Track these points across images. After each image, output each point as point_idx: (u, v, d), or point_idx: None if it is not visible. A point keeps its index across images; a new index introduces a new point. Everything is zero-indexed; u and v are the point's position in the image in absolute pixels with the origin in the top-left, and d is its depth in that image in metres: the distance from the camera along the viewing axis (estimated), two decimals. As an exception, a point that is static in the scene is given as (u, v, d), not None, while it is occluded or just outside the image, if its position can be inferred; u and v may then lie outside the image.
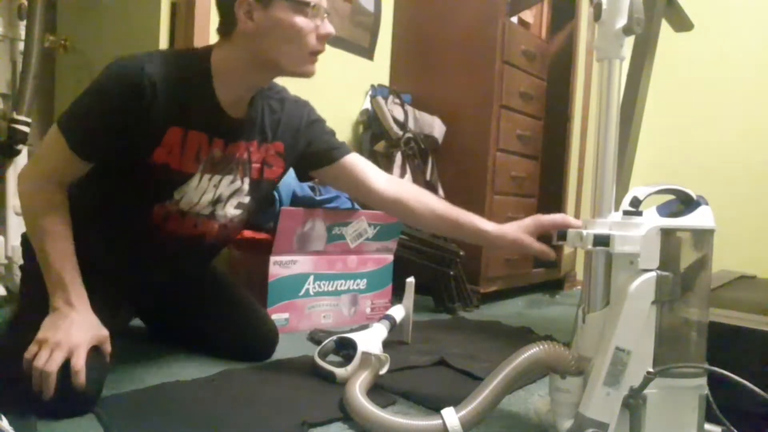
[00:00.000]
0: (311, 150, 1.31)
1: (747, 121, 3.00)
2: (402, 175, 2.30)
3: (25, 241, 1.20)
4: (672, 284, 0.89)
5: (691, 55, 3.03)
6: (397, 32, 2.66)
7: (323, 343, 1.36)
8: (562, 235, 1.00)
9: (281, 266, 1.73)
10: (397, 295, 2.27)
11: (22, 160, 1.72)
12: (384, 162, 2.34)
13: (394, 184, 1.32)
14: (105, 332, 1.05)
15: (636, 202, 0.93)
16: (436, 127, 2.44)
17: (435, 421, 0.93)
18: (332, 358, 1.34)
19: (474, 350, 1.58)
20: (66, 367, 0.95)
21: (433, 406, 1.11)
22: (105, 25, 2.13)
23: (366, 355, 1.23)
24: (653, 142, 2.73)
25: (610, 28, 0.95)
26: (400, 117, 2.37)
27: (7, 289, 1.75)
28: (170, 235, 1.17)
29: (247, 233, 1.71)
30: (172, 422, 0.98)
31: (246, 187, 1.23)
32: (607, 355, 0.88)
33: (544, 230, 1.17)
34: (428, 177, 2.38)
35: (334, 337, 1.37)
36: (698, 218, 0.93)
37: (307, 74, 1.14)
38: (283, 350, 1.43)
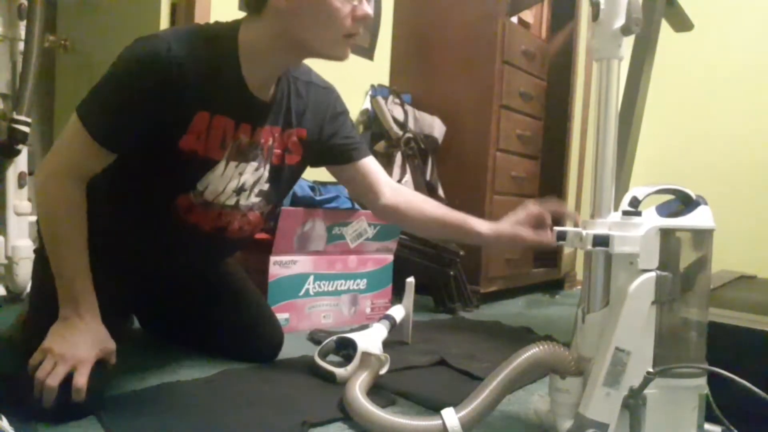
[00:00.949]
0: (332, 143, 1.25)
1: (747, 121, 3.00)
2: (402, 175, 2.30)
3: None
4: (672, 284, 0.89)
5: (691, 55, 3.03)
6: (397, 32, 2.66)
7: (323, 343, 1.36)
8: (562, 235, 1.00)
9: (281, 266, 1.73)
10: (397, 295, 2.28)
11: (22, 160, 1.73)
12: (384, 162, 2.34)
13: (395, 193, 1.31)
14: (112, 345, 1.02)
15: (635, 202, 0.93)
16: (436, 127, 2.44)
17: (435, 422, 0.93)
18: (332, 358, 1.35)
19: (474, 350, 1.58)
20: (68, 378, 0.93)
21: (433, 406, 1.11)
22: (105, 25, 2.13)
23: (366, 355, 1.23)
24: (653, 142, 2.73)
25: (608, 28, 0.95)
26: (400, 117, 2.37)
27: (7, 289, 1.75)
28: (193, 227, 1.12)
29: (247, 233, 1.71)
30: (172, 422, 0.98)
31: (266, 173, 1.17)
32: (607, 355, 0.88)
33: (537, 219, 1.16)
34: (428, 177, 2.38)
35: (334, 337, 1.37)
36: (697, 218, 0.93)
37: (341, 58, 1.06)
38: (283, 350, 1.43)
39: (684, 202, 0.97)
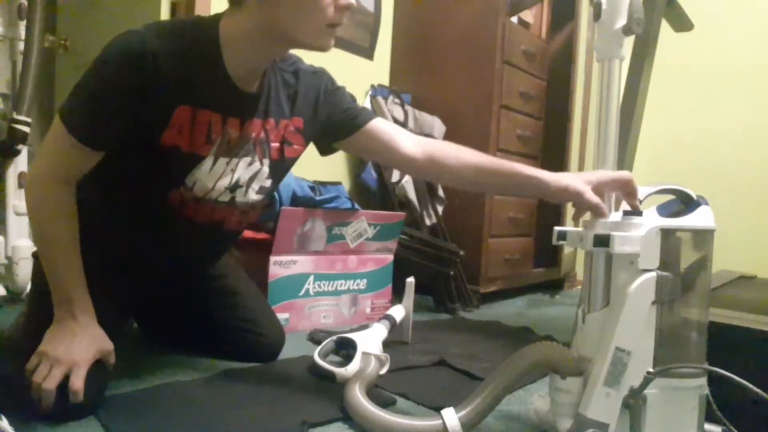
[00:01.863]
0: (333, 121, 1.20)
1: (747, 121, 3.00)
2: (402, 175, 2.30)
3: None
4: (672, 284, 0.89)
5: (691, 55, 3.03)
6: (397, 32, 2.65)
7: (323, 343, 1.36)
8: (562, 235, 1.00)
9: (281, 266, 1.72)
10: (398, 295, 2.28)
11: (22, 160, 1.73)
12: (384, 162, 2.34)
13: (426, 144, 1.18)
14: (109, 346, 1.02)
15: (636, 202, 0.93)
16: (436, 127, 2.44)
17: (435, 422, 0.93)
18: (332, 358, 1.35)
19: (474, 350, 1.58)
20: (65, 380, 0.93)
21: (433, 406, 1.11)
22: (105, 25, 2.12)
23: (366, 355, 1.23)
24: (653, 142, 2.74)
25: (609, 29, 0.95)
26: (400, 117, 2.37)
27: (7, 289, 1.75)
28: (188, 221, 1.11)
29: (247, 233, 1.71)
30: (172, 422, 0.98)
31: (266, 169, 1.15)
32: (607, 355, 0.88)
33: (604, 189, 0.98)
34: (428, 177, 2.38)
35: (334, 337, 1.37)
36: (698, 218, 0.93)
37: (324, 48, 1.05)
38: (283, 350, 1.43)
39: (685, 203, 0.97)
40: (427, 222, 2.32)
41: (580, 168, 3.17)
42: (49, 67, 2.23)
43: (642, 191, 0.95)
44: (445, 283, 2.23)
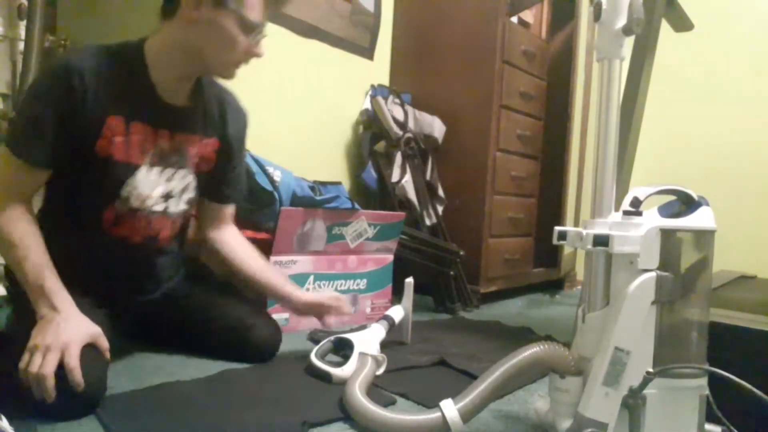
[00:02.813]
0: (222, 173, 1.30)
1: (748, 121, 3.00)
2: (402, 175, 2.30)
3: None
4: (672, 284, 0.89)
5: (691, 55, 3.03)
6: (397, 32, 2.65)
7: (321, 343, 1.36)
8: (562, 235, 1.00)
9: (281, 266, 1.72)
10: (397, 295, 2.28)
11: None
12: (384, 162, 2.34)
13: (228, 238, 1.37)
14: (96, 328, 1.02)
15: (636, 203, 0.93)
16: (436, 127, 2.44)
17: (434, 414, 0.93)
18: (330, 357, 1.35)
19: (474, 350, 1.58)
20: (64, 369, 0.93)
21: (433, 405, 1.10)
22: (105, 25, 2.13)
23: (363, 356, 1.23)
24: (654, 142, 2.73)
25: (609, 29, 0.95)
26: (400, 117, 2.37)
27: (7, 289, 1.75)
28: (123, 242, 1.16)
29: (247, 233, 1.71)
30: (172, 422, 0.98)
31: (194, 182, 1.23)
32: (607, 355, 0.88)
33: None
34: (428, 177, 2.38)
35: (332, 338, 1.37)
36: (699, 219, 0.93)
37: (227, 78, 1.16)
38: (283, 350, 1.43)
39: (685, 203, 0.97)
40: (427, 222, 2.32)
41: (580, 168, 3.17)
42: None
43: (642, 191, 0.95)
44: (445, 283, 2.23)
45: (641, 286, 0.88)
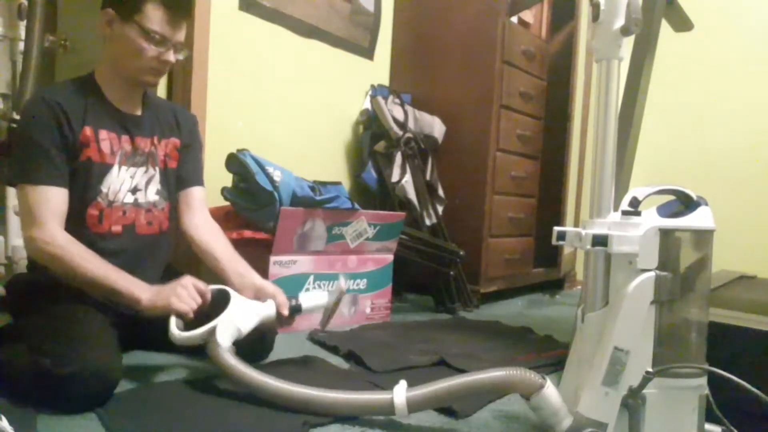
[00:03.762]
0: (183, 162, 1.43)
1: (748, 121, 3.00)
2: (402, 175, 2.30)
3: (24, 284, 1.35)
4: (671, 284, 0.89)
5: (691, 55, 3.03)
6: (397, 32, 2.66)
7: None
8: (562, 235, 1.00)
9: (281, 266, 1.73)
10: (397, 295, 2.28)
11: (22, 160, 1.72)
12: (384, 162, 2.34)
13: (205, 228, 1.43)
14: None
15: (635, 203, 0.93)
16: (436, 127, 2.44)
17: (384, 395, 0.99)
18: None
19: (474, 350, 1.58)
20: (83, 357, 1.01)
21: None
22: (105, 25, 2.13)
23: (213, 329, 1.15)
24: (654, 142, 2.73)
25: (608, 29, 0.95)
26: (400, 117, 2.37)
27: (6, 289, 1.75)
28: (108, 235, 1.29)
29: (247, 233, 1.71)
30: (172, 422, 0.98)
31: (157, 175, 1.38)
32: (606, 354, 0.88)
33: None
34: (428, 177, 2.38)
35: (215, 288, 1.25)
36: (698, 219, 0.93)
37: (149, 84, 1.33)
38: (283, 350, 1.43)
39: (684, 203, 0.97)
40: (427, 222, 2.32)
41: (580, 168, 3.17)
42: (49, 67, 2.23)
43: (641, 191, 0.95)
44: (445, 283, 2.23)
45: (640, 285, 0.88)
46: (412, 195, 2.30)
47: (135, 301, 1.15)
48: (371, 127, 2.42)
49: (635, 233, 0.89)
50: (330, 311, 1.38)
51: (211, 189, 1.57)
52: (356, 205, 1.87)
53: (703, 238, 0.94)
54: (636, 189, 0.96)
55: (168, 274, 1.36)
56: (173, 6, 1.25)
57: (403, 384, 1.00)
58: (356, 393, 1.05)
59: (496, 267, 2.46)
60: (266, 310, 1.27)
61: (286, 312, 1.29)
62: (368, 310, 1.96)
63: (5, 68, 1.70)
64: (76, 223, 1.25)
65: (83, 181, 1.25)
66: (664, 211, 0.95)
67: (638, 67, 1.65)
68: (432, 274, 2.23)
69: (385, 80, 2.64)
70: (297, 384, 1.06)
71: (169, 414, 1.01)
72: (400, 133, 2.32)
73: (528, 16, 2.81)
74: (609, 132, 0.97)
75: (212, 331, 1.14)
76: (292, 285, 1.75)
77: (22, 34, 1.70)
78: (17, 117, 1.65)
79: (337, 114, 2.45)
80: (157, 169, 1.38)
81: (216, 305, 1.21)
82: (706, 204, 0.95)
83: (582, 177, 3.18)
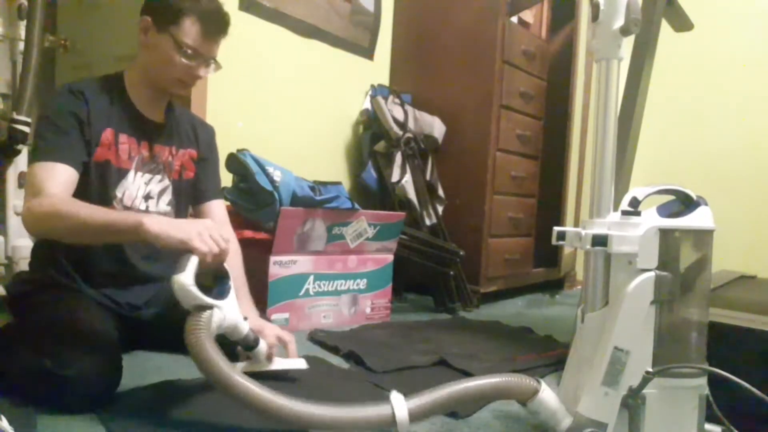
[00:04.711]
0: (201, 175, 1.42)
1: (748, 121, 3.00)
2: (402, 175, 2.30)
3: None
4: (671, 284, 0.89)
5: (692, 55, 3.03)
6: (397, 32, 2.66)
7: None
8: (562, 235, 1.00)
9: (281, 266, 1.73)
10: (397, 295, 2.28)
11: (22, 160, 1.72)
12: (384, 162, 2.34)
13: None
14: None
15: (635, 203, 0.93)
16: (436, 127, 2.44)
17: (383, 408, 0.90)
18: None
19: (474, 350, 1.58)
20: (84, 358, 1.00)
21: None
22: (105, 25, 2.13)
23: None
24: (654, 142, 2.73)
25: (607, 29, 0.95)
26: (400, 117, 2.37)
27: (6, 289, 1.75)
28: (118, 244, 1.27)
29: (247, 233, 1.71)
30: (172, 422, 0.98)
31: (171, 186, 1.37)
32: (606, 354, 0.88)
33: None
34: (428, 177, 2.38)
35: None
36: (697, 218, 0.93)
37: (175, 94, 1.34)
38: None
39: (684, 203, 0.97)
40: (427, 222, 2.32)
41: (580, 168, 3.17)
42: (49, 67, 2.23)
43: (641, 191, 0.95)
44: (445, 283, 2.23)
45: (640, 285, 0.88)
46: (412, 195, 2.30)
47: (135, 225, 1.00)
48: (371, 127, 2.42)
49: (635, 233, 0.89)
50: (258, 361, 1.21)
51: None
52: (356, 205, 1.87)
53: (703, 238, 0.94)
54: (636, 189, 0.95)
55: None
56: (212, 23, 1.23)
57: (400, 398, 0.92)
58: (353, 409, 0.91)
59: (496, 267, 2.46)
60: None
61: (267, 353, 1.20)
62: (368, 310, 1.96)
63: (5, 68, 1.70)
64: None
65: (100, 184, 1.24)
66: (664, 211, 0.95)
67: (638, 67, 1.65)
68: (432, 274, 2.23)
69: (385, 80, 2.64)
70: (291, 398, 0.90)
71: (169, 414, 1.01)
72: (400, 133, 2.32)
73: (528, 16, 2.81)
74: (609, 132, 0.97)
75: (212, 310, 0.97)
76: (292, 285, 1.75)
77: (22, 34, 1.70)
78: (17, 117, 1.65)
79: (337, 114, 2.45)
80: (172, 179, 1.37)
81: (214, 281, 1.06)
82: (706, 204, 0.95)
83: (582, 177, 3.18)
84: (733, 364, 0.87)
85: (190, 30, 1.21)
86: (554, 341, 1.71)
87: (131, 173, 1.29)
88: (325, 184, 1.90)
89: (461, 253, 2.23)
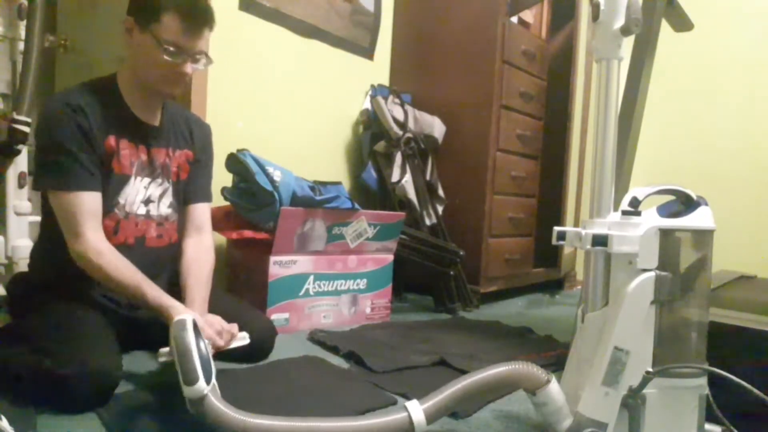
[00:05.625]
0: (195, 176, 1.42)
1: (747, 121, 3.00)
2: (402, 175, 2.30)
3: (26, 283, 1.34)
4: (671, 284, 0.89)
5: (691, 55, 3.03)
6: (397, 32, 2.66)
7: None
8: (562, 235, 1.00)
9: (281, 266, 1.73)
10: (397, 295, 2.28)
11: (22, 160, 1.73)
12: (384, 162, 2.34)
13: (194, 250, 1.37)
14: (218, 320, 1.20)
15: (635, 203, 0.93)
16: (436, 127, 2.44)
17: (400, 415, 0.91)
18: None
19: (474, 350, 1.58)
20: (84, 358, 1.01)
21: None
22: (105, 25, 2.13)
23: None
24: (654, 142, 2.73)
25: (607, 29, 0.95)
26: (400, 117, 2.37)
27: (6, 289, 1.75)
28: (122, 247, 1.25)
29: (247, 233, 1.71)
30: (172, 422, 0.98)
31: (171, 188, 1.37)
32: (606, 354, 0.88)
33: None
34: (428, 177, 2.38)
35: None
36: (698, 218, 0.93)
37: (165, 94, 1.30)
38: (283, 350, 1.43)
39: (684, 203, 0.97)
40: (427, 222, 2.32)
41: (580, 168, 3.17)
42: (49, 67, 2.23)
43: (641, 191, 0.95)
44: (445, 283, 2.23)
45: (640, 285, 0.88)
46: (412, 195, 2.30)
47: (167, 317, 1.11)
48: (371, 127, 2.42)
49: (635, 233, 0.89)
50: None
51: (212, 189, 1.57)
52: (356, 205, 1.87)
53: (703, 238, 0.94)
54: (636, 189, 0.95)
55: (173, 282, 1.35)
56: (191, 16, 1.20)
57: (414, 402, 0.93)
58: (370, 419, 0.94)
59: (496, 267, 2.46)
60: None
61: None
62: (368, 310, 1.96)
63: (5, 68, 1.70)
64: None
65: (102, 192, 1.23)
66: (664, 211, 0.95)
67: (638, 67, 1.65)
68: (432, 274, 2.23)
69: (385, 80, 2.64)
70: (303, 419, 0.94)
71: (169, 414, 1.01)
72: (400, 133, 2.32)
73: (528, 16, 2.81)
74: (608, 132, 0.97)
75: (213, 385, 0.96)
76: (292, 285, 1.75)
77: (22, 34, 1.70)
78: (17, 117, 1.65)
79: (337, 114, 2.45)
80: (170, 181, 1.36)
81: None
82: (706, 204, 0.95)
83: (582, 177, 3.18)
84: (733, 364, 0.87)
85: (169, 26, 1.19)
86: (554, 341, 1.71)
87: (132, 179, 1.28)
88: (325, 184, 1.90)
89: (461, 253, 2.23)
